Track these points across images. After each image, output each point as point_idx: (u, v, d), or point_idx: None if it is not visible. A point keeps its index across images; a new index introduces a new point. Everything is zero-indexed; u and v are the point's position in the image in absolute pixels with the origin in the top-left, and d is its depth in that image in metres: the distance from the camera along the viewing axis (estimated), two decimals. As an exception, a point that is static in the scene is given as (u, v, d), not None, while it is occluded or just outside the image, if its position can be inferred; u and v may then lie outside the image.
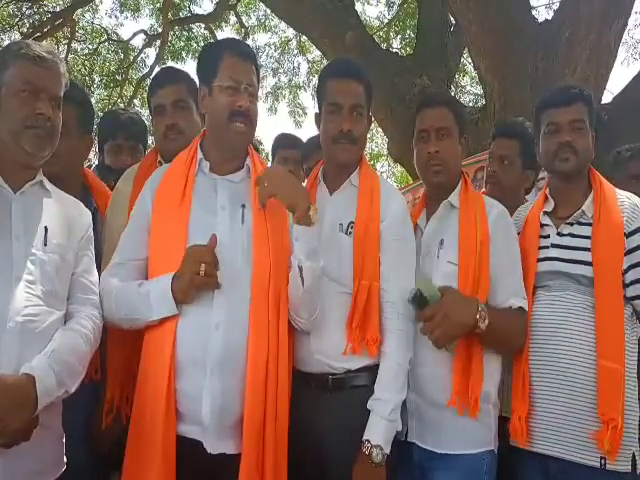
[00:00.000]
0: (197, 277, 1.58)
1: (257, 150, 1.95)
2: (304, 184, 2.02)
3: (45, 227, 1.55)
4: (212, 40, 9.29)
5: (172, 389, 1.57)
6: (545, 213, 1.94)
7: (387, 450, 1.67)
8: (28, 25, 8.67)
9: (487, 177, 2.37)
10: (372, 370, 1.75)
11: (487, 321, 1.69)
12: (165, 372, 1.57)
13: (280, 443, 1.63)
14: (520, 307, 1.80)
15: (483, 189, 2.52)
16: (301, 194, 1.68)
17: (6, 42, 9.05)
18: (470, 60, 6.30)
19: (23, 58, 1.54)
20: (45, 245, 1.53)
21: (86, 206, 1.79)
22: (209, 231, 1.65)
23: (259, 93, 1.83)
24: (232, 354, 1.59)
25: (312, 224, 1.65)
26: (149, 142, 2.99)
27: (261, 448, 1.58)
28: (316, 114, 1.97)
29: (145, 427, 1.58)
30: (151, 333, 1.65)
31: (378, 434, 1.67)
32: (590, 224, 1.84)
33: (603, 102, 4.59)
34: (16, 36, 9.00)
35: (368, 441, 1.66)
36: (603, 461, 1.68)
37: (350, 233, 1.81)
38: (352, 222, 1.82)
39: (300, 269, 1.65)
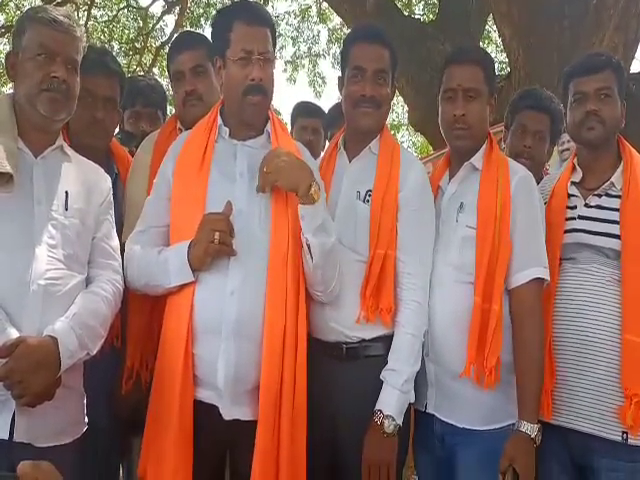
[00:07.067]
0: (211, 245, 1.58)
1: None
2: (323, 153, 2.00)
3: (66, 192, 1.56)
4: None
5: (190, 354, 1.59)
6: (573, 184, 1.89)
7: (399, 421, 1.67)
8: (49, -9, 8.63)
9: (519, 152, 2.23)
10: (387, 340, 1.74)
11: None
12: (182, 337, 1.58)
13: (298, 412, 1.61)
14: (537, 278, 1.72)
15: None
16: (300, 175, 1.62)
17: (27, 8, 9.03)
18: (495, 27, 6.13)
19: (39, 22, 1.54)
20: (66, 210, 1.55)
21: (107, 171, 1.80)
22: (227, 198, 1.64)
23: (278, 62, 1.80)
24: (247, 320, 1.59)
25: (315, 202, 1.62)
26: (168, 109, 2.98)
27: (277, 416, 1.58)
28: (339, 77, 1.93)
29: (164, 392, 1.60)
30: (172, 299, 1.67)
31: (390, 405, 1.67)
32: (619, 196, 1.79)
33: (631, 71, 4.46)
34: (37, 2, 8.96)
35: (380, 411, 1.67)
36: (625, 435, 1.66)
37: (367, 201, 1.80)
38: (370, 190, 1.80)
39: (308, 246, 1.64)
